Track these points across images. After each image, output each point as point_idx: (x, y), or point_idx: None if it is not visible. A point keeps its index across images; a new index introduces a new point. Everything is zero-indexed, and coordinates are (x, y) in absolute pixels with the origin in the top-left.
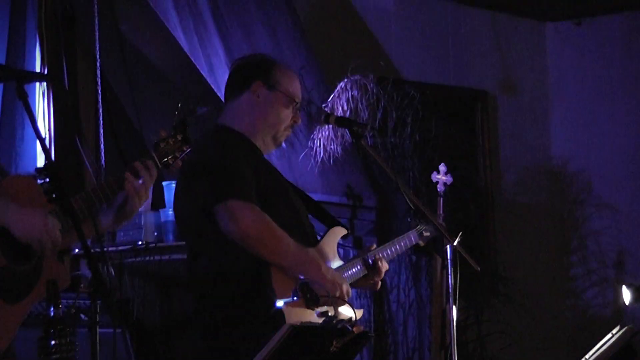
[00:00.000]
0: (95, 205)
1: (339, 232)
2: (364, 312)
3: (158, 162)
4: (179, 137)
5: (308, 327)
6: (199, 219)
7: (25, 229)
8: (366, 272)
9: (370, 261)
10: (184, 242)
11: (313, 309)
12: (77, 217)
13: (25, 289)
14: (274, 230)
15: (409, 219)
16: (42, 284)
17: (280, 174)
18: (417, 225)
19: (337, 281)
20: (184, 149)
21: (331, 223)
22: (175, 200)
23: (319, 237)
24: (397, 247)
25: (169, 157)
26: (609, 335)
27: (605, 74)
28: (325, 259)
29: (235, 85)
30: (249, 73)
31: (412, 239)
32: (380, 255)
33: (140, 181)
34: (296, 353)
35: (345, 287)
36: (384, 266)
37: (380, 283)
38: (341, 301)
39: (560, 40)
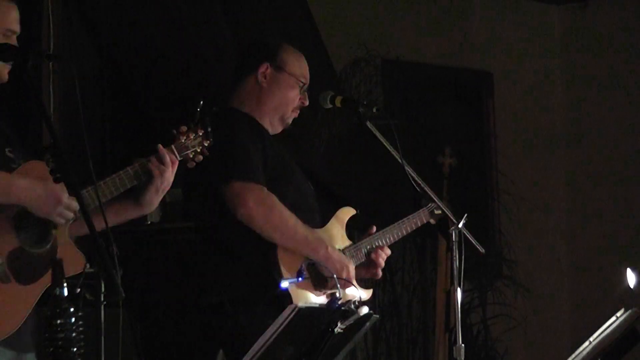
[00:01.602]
0: (120, 191)
1: (347, 212)
2: None
3: (177, 155)
4: (200, 133)
5: (313, 308)
6: (206, 199)
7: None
8: (363, 259)
9: (364, 251)
10: (190, 224)
11: (320, 290)
12: (81, 196)
13: (39, 272)
14: (280, 211)
15: (427, 198)
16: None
17: (288, 155)
18: (429, 204)
19: (343, 262)
20: (205, 143)
21: (339, 204)
22: (184, 180)
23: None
24: (406, 227)
25: (189, 151)
26: (613, 318)
27: (612, 56)
28: (333, 240)
29: (243, 67)
30: (256, 55)
31: (423, 218)
32: (383, 240)
33: (165, 167)
34: (301, 334)
35: (352, 268)
36: (380, 257)
37: (380, 273)
38: (348, 282)
39: (566, 22)
